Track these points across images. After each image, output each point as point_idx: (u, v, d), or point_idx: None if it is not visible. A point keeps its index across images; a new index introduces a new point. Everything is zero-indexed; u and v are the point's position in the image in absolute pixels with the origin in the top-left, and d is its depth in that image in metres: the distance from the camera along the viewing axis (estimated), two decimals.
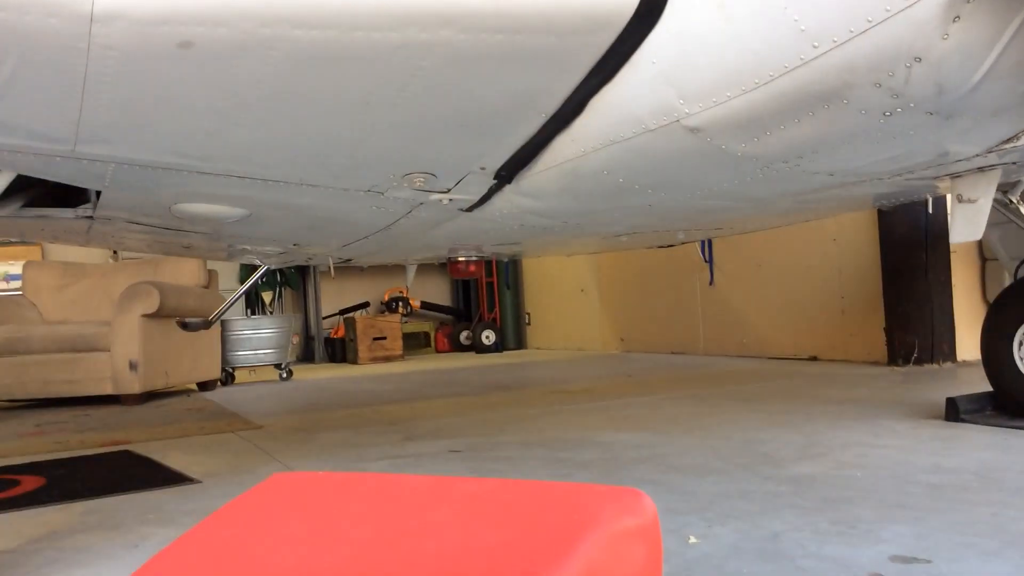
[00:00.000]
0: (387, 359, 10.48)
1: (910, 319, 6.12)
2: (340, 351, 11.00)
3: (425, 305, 11.88)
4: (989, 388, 3.94)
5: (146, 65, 1.84)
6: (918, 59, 1.49)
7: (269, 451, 4.03)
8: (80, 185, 2.71)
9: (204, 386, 7.70)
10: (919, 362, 6.07)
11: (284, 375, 8.47)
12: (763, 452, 3.45)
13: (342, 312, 11.45)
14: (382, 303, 11.69)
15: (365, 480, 0.90)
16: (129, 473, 3.73)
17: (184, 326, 5.47)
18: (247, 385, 8.14)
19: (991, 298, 5.82)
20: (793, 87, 1.68)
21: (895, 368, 6.09)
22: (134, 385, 6.50)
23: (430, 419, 4.82)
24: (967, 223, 2.27)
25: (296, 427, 4.84)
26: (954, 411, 3.81)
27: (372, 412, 5.33)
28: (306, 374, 9.13)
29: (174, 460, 3.94)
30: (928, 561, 2.05)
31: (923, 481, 2.86)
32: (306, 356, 11.42)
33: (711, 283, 8.06)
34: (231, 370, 8.35)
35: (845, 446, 3.45)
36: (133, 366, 6.51)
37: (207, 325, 5.46)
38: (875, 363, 6.39)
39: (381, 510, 0.81)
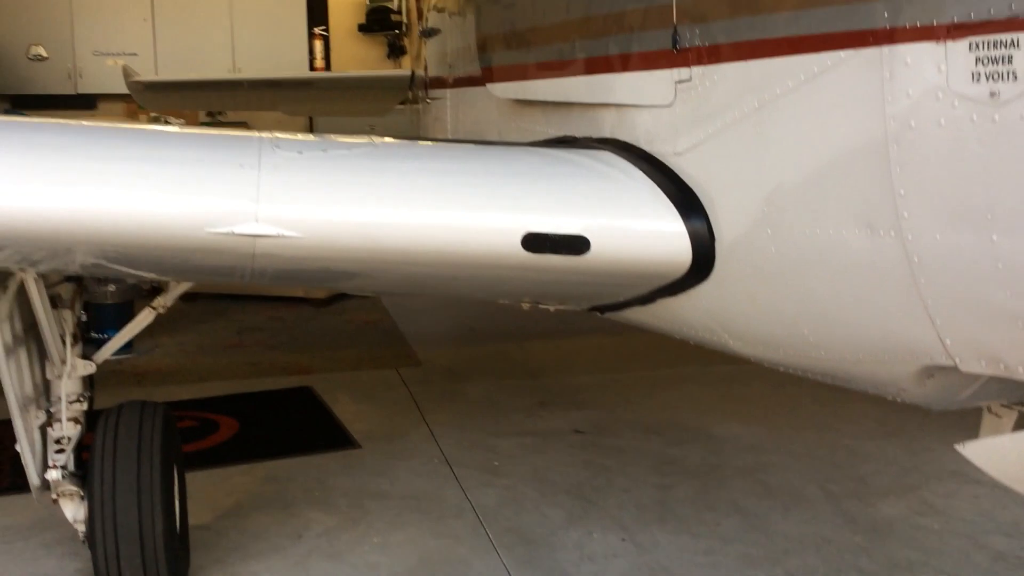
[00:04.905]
0: None
1: None
2: None
3: None
4: None
5: None
6: None
7: (421, 408, 4.58)
8: None
9: None
10: None
11: None
12: (858, 475, 3.66)
13: None
14: None
15: None
16: (305, 425, 4.43)
17: None
18: None
19: None
20: None
21: None
22: (319, 291, 7.24)
23: (568, 374, 5.19)
24: None
25: (449, 368, 5.36)
26: None
27: (517, 351, 5.73)
28: None
29: (343, 408, 4.60)
30: None
31: (991, 547, 3.06)
32: None
33: None
34: None
35: (939, 478, 3.59)
36: None
37: None
38: None
39: None
